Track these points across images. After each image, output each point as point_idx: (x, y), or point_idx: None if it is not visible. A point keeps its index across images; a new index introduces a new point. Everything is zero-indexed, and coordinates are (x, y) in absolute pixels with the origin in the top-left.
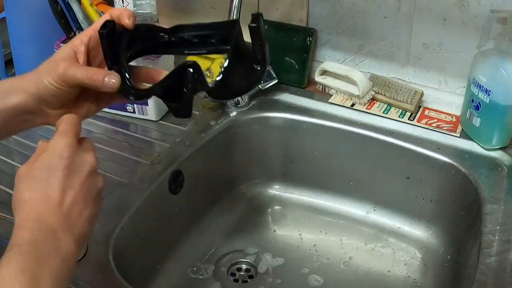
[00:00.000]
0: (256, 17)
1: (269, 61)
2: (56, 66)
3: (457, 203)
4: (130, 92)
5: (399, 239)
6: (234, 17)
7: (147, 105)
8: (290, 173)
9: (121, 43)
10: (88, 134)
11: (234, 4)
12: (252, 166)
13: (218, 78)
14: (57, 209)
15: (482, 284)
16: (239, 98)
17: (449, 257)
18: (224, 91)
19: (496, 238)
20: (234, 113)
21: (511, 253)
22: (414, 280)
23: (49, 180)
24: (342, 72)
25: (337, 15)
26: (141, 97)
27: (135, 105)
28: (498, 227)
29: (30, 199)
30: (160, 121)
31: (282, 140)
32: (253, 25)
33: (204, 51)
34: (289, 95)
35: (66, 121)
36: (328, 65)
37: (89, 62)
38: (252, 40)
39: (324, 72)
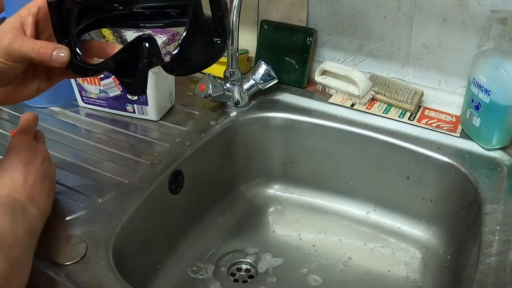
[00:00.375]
0: None
1: (230, 33)
2: (0, 39)
3: (457, 203)
4: (80, 67)
5: (399, 239)
6: (234, 18)
7: (147, 105)
8: (290, 173)
9: (71, 15)
10: (88, 134)
11: (234, 4)
12: (252, 166)
13: (174, 52)
14: (21, 188)
15: (482, 284)
16: (239, 98)
17: (449, 257)
18: (183, 66)
19: (496, 238)
20: (234, 113)
21: (511, 253)
22: (414, 280)
23: (12, 171)
24: (342, 72)
25: (337, 15)
26: (92, 72)
27: (135, 105)
28: (498, 227)
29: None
30: (160, 121)
31: (282, 140)
32: None
33: (160, 24)
34: (289, 95)
35: (23, 119)
36: (328, 65)
37: (37, 35)
38: (212, 11)
39: (324, 72)
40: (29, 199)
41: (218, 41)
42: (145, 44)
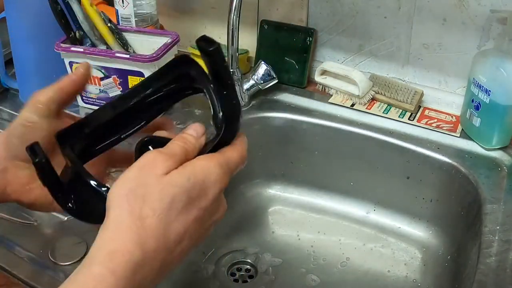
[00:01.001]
0: (204, 37)
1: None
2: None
3: (457, 203)
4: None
5: (399, 239)
6: (234, 18)
7: None
8: (290, 173)
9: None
10: None
11: (234, 4)
12: (252, 166)
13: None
14: (158, 250)
15: (482, 284)
16: (239, 98)
17: (449, 257)
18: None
19: (496, 238)
20: None
21: (511, 253)
22: (414, 280)
23: (168, 212)
24: (342, 72)
25: (337, 15)
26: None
27: None
28: (498, 227)
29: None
30: None
31: (282, 140)
32: (214, 47)
33: (170, 103)
34: (289, 95)
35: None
36: (328, 65)
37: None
38: (213, 66)
39: (324, 72)
40: (163, 263)
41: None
42: (149, 147)
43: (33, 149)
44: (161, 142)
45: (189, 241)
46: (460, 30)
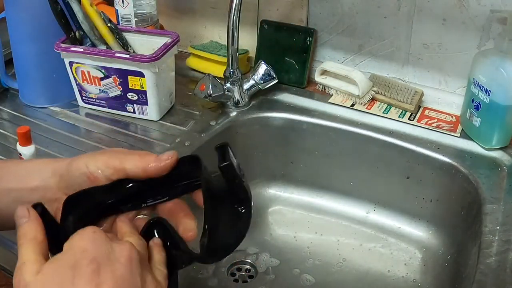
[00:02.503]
0: (223, 149)
1: (252, 196)
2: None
3: (457, 203)
4: None
5: (399, 239)
6: (234, 18)
7: (147, 105)
8: (290, 173)
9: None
10: (88, 134)
11: (234, 4)
12: (252, 166)
13: (205, 242)
14: None
15: (482, 284)
16: (239, 98)
17: (449, 257)
18: (215, 254)
19: (496, 238)
20: (234, 113)
21: (511, 253)
22: (414, 280)
23: (73, 283)
24: (342, 72)
25: (337, 15)
26: None
27: (135, 105)
28: (498, 227)
29: None
30: (160, 121)
31: (282, 140)
32: (225, 163)
33: (165, 198)
34: (289, 95)
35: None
36: (328, 65)
37: None
38: (226, 180)
39: (324, 72)
40: None
41: (243, 209)
42: (155, 231)
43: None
44: (164, 227)
45: None
46: (460, 30)
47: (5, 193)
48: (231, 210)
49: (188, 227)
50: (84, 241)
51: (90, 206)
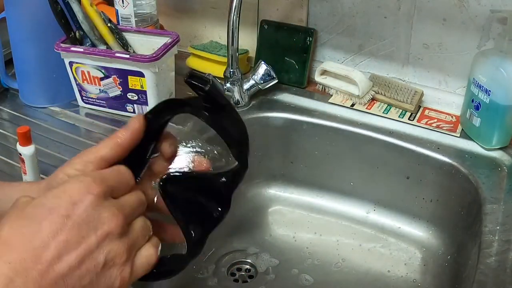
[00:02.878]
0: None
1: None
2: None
3: (457, 203)
4: None
5: (399, 239)
6: (234, 18)
7: (147, 105)
8: (290, 173)
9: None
10: (88, 134)
11: (234, 4)
12: (252, 166)
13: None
14: (36, 276)
15: (482, 284)
16: (239, 98)
17: (449, 257)
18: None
19: (496, 238)
20: None
21: (511, 253)
22: (414, 280)
23: (40, 229)
24: (342, 72)
25: (337, 15)
26: None
27: (135, 105)
28: (498, 227)
29: (8, 240)
30: None
31: (282, 140)
32: (207, 88)
33: None
34: (289, 95)
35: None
36: (328, 65)
37: None
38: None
39: (324, 72)
40: None
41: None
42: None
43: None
44: (180, 178)
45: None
46: (460, 30)
47: None
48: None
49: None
50: (75, 193)
51: None
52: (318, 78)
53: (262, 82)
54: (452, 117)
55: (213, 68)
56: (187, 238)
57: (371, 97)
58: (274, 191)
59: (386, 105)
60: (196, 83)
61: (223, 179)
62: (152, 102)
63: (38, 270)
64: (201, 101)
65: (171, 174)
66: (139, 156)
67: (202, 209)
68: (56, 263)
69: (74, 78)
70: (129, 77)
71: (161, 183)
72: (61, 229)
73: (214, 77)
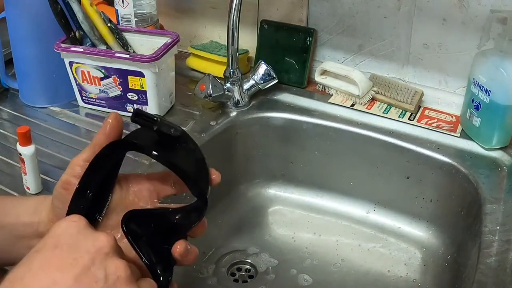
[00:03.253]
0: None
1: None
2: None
3: (457, 203)
4: None
5: (399, 239)
6: (234, 18)
7: (147, 105)
8: (290, 173)
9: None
10: (88, 134)
11: (234, 4)
12: (252, 166)
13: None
14: None
15: (482, 284)
16: (239, 98)
17: (449, 257)
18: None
19: (496, 238)
20: (234, 113)
21: (511, 253)
22: (414, 280)
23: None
24: (342, 72)
25: (337, 15)
26: None
27: (135, 105)
28: (498, 227)
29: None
30: None
31: (282, 140)
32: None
33: None
34: (289, 95)
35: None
36: (328, 65)
37: None
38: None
39: (324, 72)
40: None
41: (177, 133)
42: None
43: None
44: (141, 215)
45: None
46: (460, 30)
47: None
48: (183, 147)
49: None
50: (59, 228)
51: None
52: (318, 78)
53: (262, 82)
54: (452, 117)
55: (213, 68)
56: (154, 279)
57: (371, 97)
58: (274, 191)
59: (386, 105)
60: (144, 122)
61: (178, 216)
62: (152, 102)
63: None
64: (151, 136)
65: (133, 210)
66: (100, 195)
67: (163, 246)
68: None
69: (74, 78)
70: (129, 77)
71: (123, 221)
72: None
73: (215, 77)
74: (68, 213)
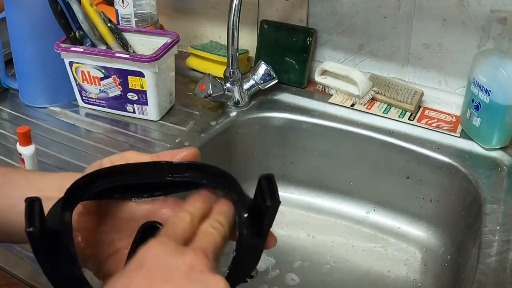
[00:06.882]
0: (270, 181)
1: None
2: None
3: (457, 203)
4: None
5: (399, 239)
6: (234, 18)
7: (147, 105)
8: (290, 173)
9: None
10: (88, 134)
11: (234, 4)
12: (252, 166)
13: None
14: None
15: (482, 284)
16: (239, 98)
17: (449, 257)
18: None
19: (496, 238)
20: (234, 113)
21: (511, 253)
22: (414, 280)
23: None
24: (342, 72)
25: (337, 15)
26: None
27: (135, 105)
28: (498, 227)
29: None
30: (160, 121)
31: (282, 140)
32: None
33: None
34: (289, 95)
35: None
36: (328, 65)
37: None
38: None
39: (324, 72)
40: None
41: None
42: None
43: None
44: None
45: None
46: (460, 30)
47: (21, 201)
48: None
49: None
50: (147, 251)
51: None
52: (318, 78)
53: (262, 82)
54: (452, 117)
55: (213, 68)
56: None
57: (371, 97)
58: None
59: (386, 105)
60: (265, 191)
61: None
62: (152, 102)
63: None
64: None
65: None
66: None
67: None
68: None
69: (74, 78)
70: (129, 77)
71: None
72: None
73: (215, 77)
74: None
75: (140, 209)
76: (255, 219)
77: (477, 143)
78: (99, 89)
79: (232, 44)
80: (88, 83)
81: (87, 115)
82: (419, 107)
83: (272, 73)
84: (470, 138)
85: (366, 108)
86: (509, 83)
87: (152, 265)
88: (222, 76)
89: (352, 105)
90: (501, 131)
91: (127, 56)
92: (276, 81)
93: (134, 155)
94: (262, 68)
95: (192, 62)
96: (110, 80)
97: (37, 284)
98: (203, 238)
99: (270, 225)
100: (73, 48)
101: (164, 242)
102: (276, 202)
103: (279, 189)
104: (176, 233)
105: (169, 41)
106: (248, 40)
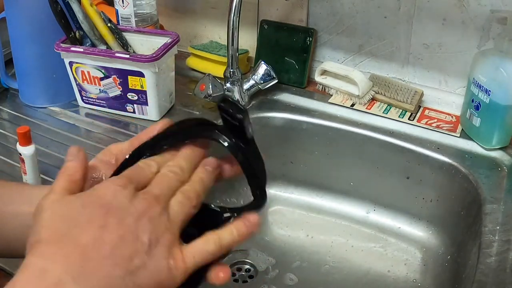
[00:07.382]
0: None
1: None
2: None
3: (457, 203)
4: None
5: (399, 239)
6: (234, 18)
7: (147, 105)
8: (290, 173)
9: None
10: (88, 134)
11: (234, 4)
12: None
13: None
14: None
15: (482, 284)
16: (239, 98)
17: (449, 257)
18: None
19: (496, 238)
20: None
21: (511, 253)
22: (414, 280)
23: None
24: (342, 72)
25: (337, 15)
26: None
27: (135, 105)
28: (498, 227)
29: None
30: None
31: (282, 140)
32: (241, 114)
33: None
34: (289, 95)
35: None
36: (328, 65)
37: None
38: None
39: (324, 72)
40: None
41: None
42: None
43: None
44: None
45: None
46: (460, 30)
47: (13, 217)
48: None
49: None
50: (106, 189)
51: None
52: (318, 78)
53: (262, 82)
54: (452, 117)
55: (213, 68)
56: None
57: (371, 97)
58: (274, 191)
59: (386, 105)
60: (229, 110)
61: (227, 214)
62: (152, 102)
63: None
64: (225, 130)
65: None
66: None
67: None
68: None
69: (74, 78)
70: (129, 77)
71: None
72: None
73: (215, 77)
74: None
75: None
76: (239, 137)
77: (477, 143)
78: (99, 89)
79: (232, 44)
80: (88, 83)
81: (87, 115)
82: (419, 107)
83: (272, 73)
84: (470, 138)
85: (366, 108)
86: (509, 83)
87: (109, 202)
88: (222, 76)
89: (352, 105)
90: (501, 131)
91: (127, 56)
92: (276, 81)
93: (116, 146)
94: (262, 68)
95: (192, 62)
96: (110, 80)
97: None
98: (157, 184)
99: (252, 130)
100: (73, 48)
101: (121, 184)
102: (244, 109)
103: (279, 189)
104: (138, 176)
105: (169, 41)
106: (248, 40)
